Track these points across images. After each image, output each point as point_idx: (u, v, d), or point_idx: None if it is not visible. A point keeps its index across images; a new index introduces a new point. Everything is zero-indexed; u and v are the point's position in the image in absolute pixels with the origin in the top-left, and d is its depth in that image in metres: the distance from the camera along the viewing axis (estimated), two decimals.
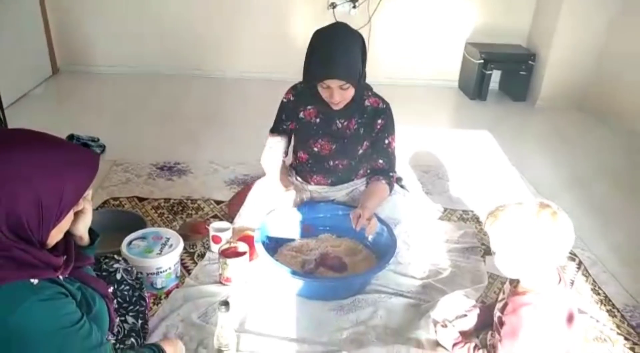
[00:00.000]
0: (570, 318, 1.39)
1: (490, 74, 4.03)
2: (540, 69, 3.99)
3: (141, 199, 2.40)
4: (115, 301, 1.32)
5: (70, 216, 1.04)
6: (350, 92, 1.91)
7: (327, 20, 3.91)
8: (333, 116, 2.03)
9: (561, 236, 1.32)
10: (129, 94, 3.78)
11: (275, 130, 2.12)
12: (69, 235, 1.12)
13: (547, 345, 1.38)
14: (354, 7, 3.96)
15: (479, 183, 2.79)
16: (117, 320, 1.29)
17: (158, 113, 3.48)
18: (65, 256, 1.07)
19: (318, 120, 2.06)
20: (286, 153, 2.14)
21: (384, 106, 2.05)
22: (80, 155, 1.03)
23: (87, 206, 1.11)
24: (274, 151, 2.09)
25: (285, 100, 2.10)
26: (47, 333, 0.95)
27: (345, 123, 2.04)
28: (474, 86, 4.07)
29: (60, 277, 1.03)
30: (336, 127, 2.05)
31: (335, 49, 1.83)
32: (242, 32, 4.07)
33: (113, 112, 3.46)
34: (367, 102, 2.03)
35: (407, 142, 2.80)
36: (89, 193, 1.09)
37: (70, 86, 3.86)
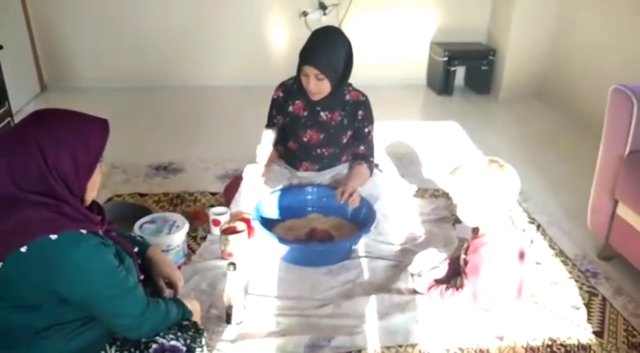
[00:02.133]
0: (521, 255, 1.67)
1: (455, 71, 4.35)
2: (500, 64, 4.32)
3: (142, 195, 2.63)
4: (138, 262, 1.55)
5: (98, 170, 1.29)
6: (325, 84, 2.16)
7: (299, 28, 4.19)
8: (318, 109, 2.28)
9: (508, 184, 1.60)
10: (116, 106, 3.96)
11: (269, 125, 2.37)
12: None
13: (503, 277, 1.66)
14: (325, 14, 4.25)
15: (448, 166, 3.05)
16: (142, 277, 1.51)
17: (145, 122, 3.70)
18: (100, 217, 1.33)
19: (306, 113, 2.30)
20: (274, 145, 2.38)
21: (364, 98, 2.32)
22: (95, 120, 1.29)
23: (103, 168, 1.36)
24: (265, 143, 2.34)
25: (275, 97, 2.34)
26: (97, 271, 1.19)
27: (330, 115, 2.30)
28: (440, 83, 4.38)
29: (100, 232, 1.28)
30: (322, 119, 2.30)
31: (318, 43, 2.12)
32: (219, 44, 4.33)
33: None
34: (348, 97, 2.30)
35: (382, 135, 3.08)
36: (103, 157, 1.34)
37: (59, 101, 4.04)
